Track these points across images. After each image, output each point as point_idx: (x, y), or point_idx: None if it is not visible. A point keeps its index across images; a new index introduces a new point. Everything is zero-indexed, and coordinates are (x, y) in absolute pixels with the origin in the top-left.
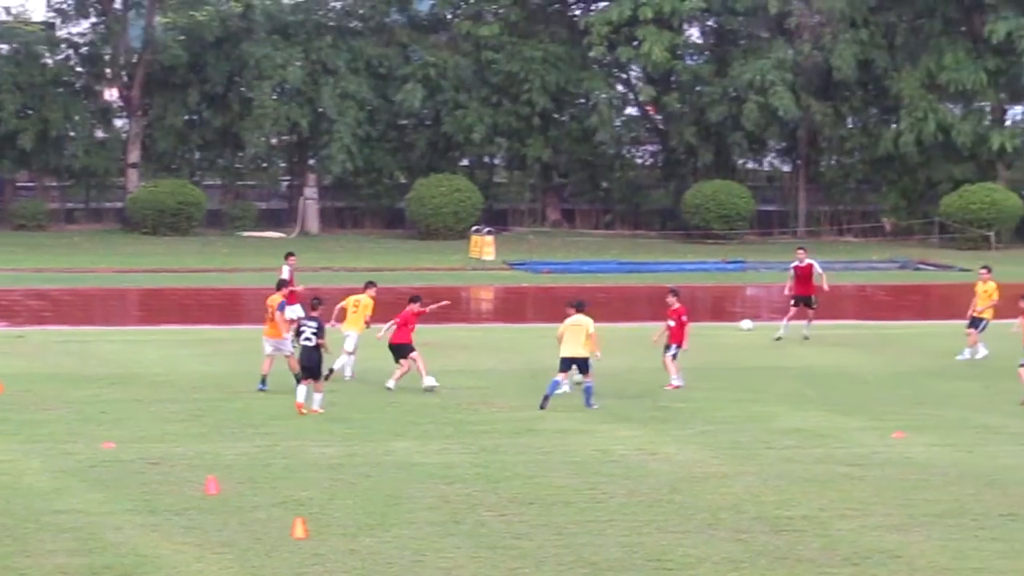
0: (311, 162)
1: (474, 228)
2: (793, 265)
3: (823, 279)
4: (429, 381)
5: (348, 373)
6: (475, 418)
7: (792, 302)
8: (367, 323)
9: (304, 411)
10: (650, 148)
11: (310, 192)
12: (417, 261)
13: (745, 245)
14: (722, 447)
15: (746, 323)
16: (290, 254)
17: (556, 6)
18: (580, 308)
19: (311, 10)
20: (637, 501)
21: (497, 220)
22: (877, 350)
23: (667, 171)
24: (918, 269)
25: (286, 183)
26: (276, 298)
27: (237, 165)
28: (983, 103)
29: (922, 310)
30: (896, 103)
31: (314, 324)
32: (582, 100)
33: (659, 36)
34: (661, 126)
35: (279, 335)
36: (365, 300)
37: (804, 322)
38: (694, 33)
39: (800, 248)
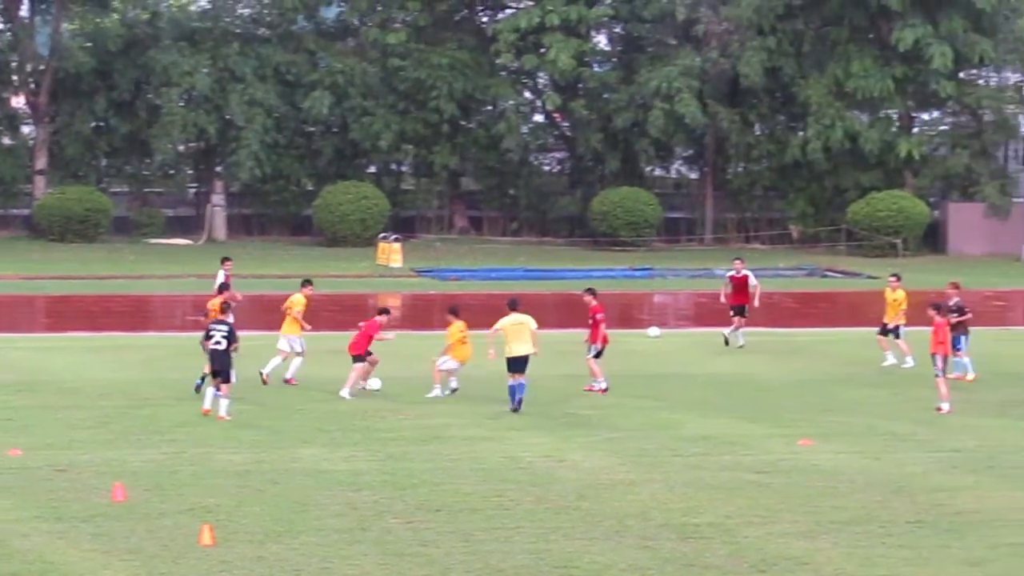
0: (218, 169)
1: (381, 235)
2: (729, 275)
3: (757, 291)
4: (345, 392)
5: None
6: (382, 425)
7: (731, 312)
8: (297, 320)
9: (212, 411)
10: (557, 155)
11: (217, 199)
12: (324, 268)
13: (653, 252)
14: (629, 454)
15: (653, 330)
16: (226, 259)
17: (464, 13)
18: (515, 307)
19: (218, 17)
20: (544, 508)
21: (404, 227)
22: (784, 357)
23: (574, 178)
24: (825, 276)
25: (193, 190)
26: (217, 302)
27: (144, 172)
28: (890, 110)
29: (829, 317)
30: (803, 110)
31: (225, 328)
32: (489, 107)
33: (566, 43)
34: (568, 133)
35: None
36: (296, 297)
37: (730, 328)
38: (602, 40)
39: (737, 259)
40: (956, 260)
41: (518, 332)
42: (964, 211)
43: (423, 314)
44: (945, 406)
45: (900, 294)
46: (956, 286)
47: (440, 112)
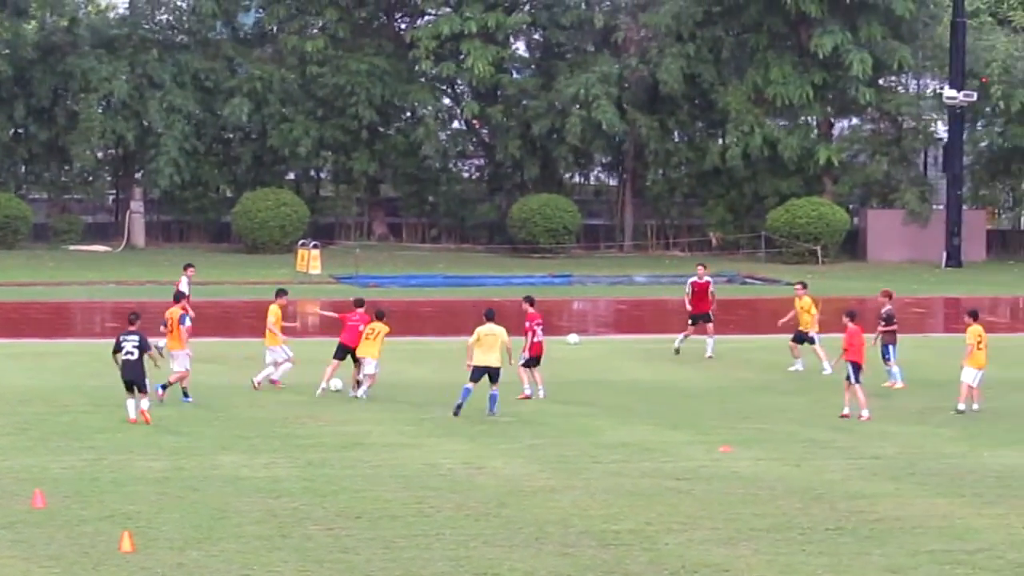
0: (138, 176)
1: (300, 242)
2: (691, 280)
3: (714, 298)
4: (337, 384)
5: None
6: (302, 432)
7: (690, 321)
8: (278, 331)
9: (138, 419)
10: (476, 162)
11: (136, 206)
12: (243, 275)
13: (572, 259)
14: (549, 461)
15: (573, 337)
16: (188, 265)
17: (382, 19)
18: (491, 317)
19: (136, 24)
20: (464, 515)
21: (323, 234)
22: (704, 364)
23: (493, 185)
24: (745, 283)
25: (112, 197)
26: (176, 311)
27: (63, 179)
28: (809, 117)
29: (749, 324)
30: (723, 117)
31: (135, 338)
32: (408, 114)
33: (484, 50)
34: (487, 140)
35: (177, 347)
36: (273, 308)
37: (707, 338)
38: (521, 47)
39: (700, 264)
40: (876, 267)
41: (487, 343)
42: (884, 218)
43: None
44: (865, 413)
45: (807, 301)
46: (888, 295)
47: (359, 118)
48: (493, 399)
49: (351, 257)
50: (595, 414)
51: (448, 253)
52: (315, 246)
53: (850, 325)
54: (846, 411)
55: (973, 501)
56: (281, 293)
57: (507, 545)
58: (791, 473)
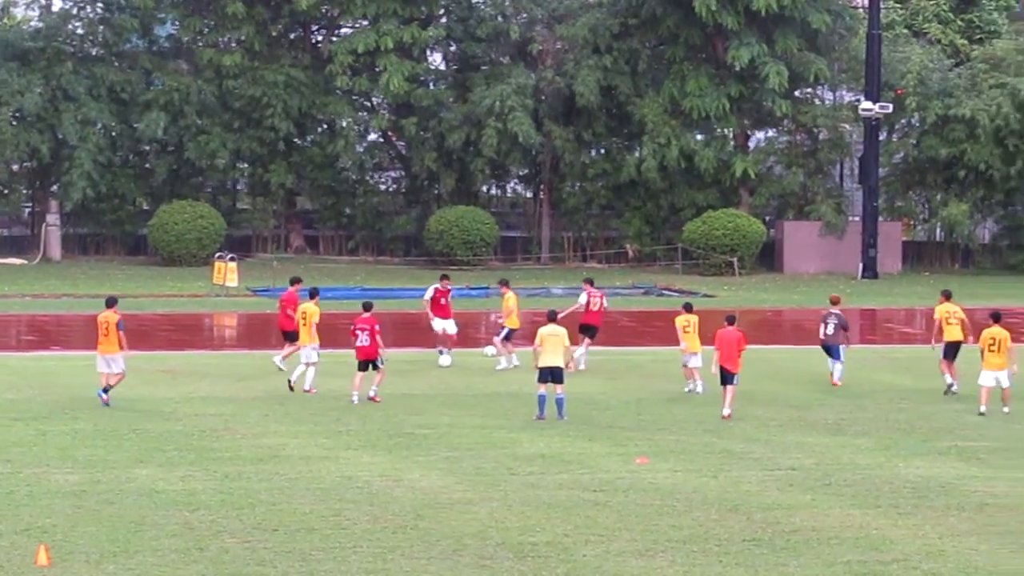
0: (53, 189)
1: (217, 254)
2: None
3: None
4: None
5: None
6: (218, 445)
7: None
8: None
9: None
10: (393, 174)
11: (52, 219)
12: (160, 287)
13: (489, 271)
14: (466, 473)
15: (490, 349)
16: (444, 276)
17: (298, 32)
18: (553, 318)
19: (50, 37)
20: (381, 527)
21: (240, 246)
22: (620, 376)
23: (410, 197)
24: (662, 295)
25: (28, 210)
26: (113, 315)
27: None
28: (726, 129)
29: (665, 336)
30: (639, 129)
31: None
32: (325, 125)
33: (400, 65)
34: (404, 152)
35: (114, 351)
36: (311, 308)
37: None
38: (437, 58)
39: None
40: (792, 278)
41: (551, 343)
42: (800, 229)
43: (259, 334)
44: (726, 411)
45: (511, 298)
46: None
47: (275, 130)
48: (559, 403)
49: (268, 270)
50: (511, 426)
51: (366, 265)
52: (232, 259)
53: (727, 328)
54: (726, 411)
55: (888, 512)
56: (314, 293)
57: (424, 557)
58: (707, 484)
